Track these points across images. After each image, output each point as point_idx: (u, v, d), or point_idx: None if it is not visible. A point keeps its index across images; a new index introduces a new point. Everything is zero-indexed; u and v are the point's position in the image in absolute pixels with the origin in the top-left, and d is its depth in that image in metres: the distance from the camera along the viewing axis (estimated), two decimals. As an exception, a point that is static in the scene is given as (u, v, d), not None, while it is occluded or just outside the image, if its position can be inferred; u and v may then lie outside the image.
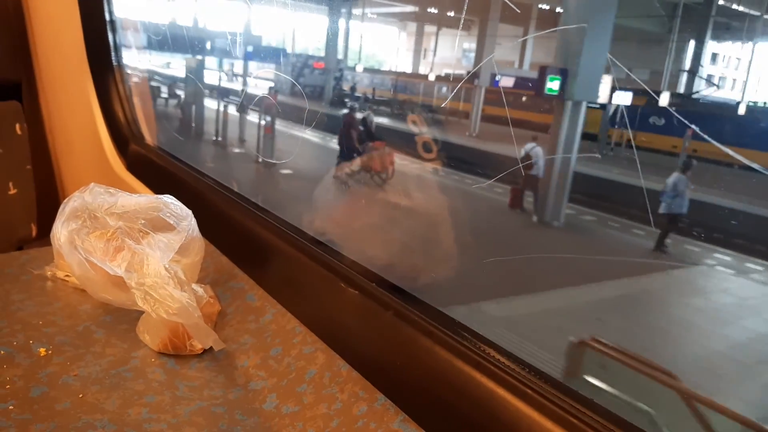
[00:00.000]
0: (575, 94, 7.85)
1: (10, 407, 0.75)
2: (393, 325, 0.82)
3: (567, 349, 2.64)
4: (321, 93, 21.14)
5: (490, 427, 0.67)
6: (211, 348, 0.92)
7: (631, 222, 8.59)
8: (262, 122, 11.00)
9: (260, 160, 10.86)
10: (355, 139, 10.18)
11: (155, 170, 1.53)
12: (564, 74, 7.96)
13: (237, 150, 11.76)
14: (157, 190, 1.33)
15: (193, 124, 11.56)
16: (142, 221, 0.97)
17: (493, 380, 0.69)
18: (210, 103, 12.85)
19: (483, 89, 17.88)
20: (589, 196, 9.65)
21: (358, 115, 12.42)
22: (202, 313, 0.92)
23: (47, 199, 1.64)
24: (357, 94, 23.41)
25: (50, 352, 0.88)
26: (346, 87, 21.87)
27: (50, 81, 1.76)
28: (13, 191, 1.53)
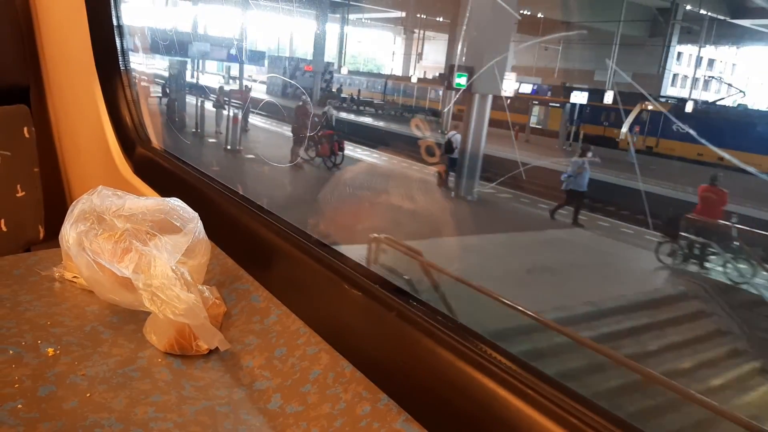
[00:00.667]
0: (479, 88, 9.95)
1: (19, 406, 0.76)
2: (396, 327, 0.83)
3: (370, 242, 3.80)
4: (310, 93, 22.19)
5: (491, 427, 0.68)
6: (216, 348, 0.93)
7: (540, 198, 10.70)
8: (231, 114, 13.03)
9: (228, 147, 12.23)
10: (305, 128, 12.29)
11: (162, 173, 1.55)
12: (470, 71, 9.86)
13: (211, 140, 12.96)
14: (164, 192, 1.34)
15: (176, 119, 12.74)
16: (149, 223, 0.99)
17: (494, 380, 0.70)
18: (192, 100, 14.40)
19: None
20: (511, 177, 11.17)
21: (321, 110, 14.60)
22: (208, 314, 0.93)
23: (55, 201, 1.66)
24: (343, 95, 25.03)
25: (58, 352, 0.89)
26: (334, 88, 23.43)
27: (58, 85, 1.78)
28: (21, 194, 1.54)
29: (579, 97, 22.49)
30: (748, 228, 7.22)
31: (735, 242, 7.27)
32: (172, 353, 0.92)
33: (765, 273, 6.82)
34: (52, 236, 1.05)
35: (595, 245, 8.90)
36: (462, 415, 0.71)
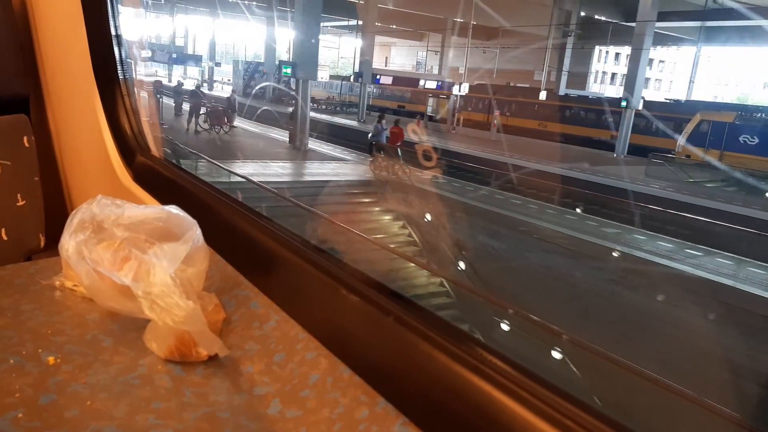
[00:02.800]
0: (298, 74, 18.12)
1: (20, 415, 0.77)
2: (393, 331, 0.84)
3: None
4: (264, 92, 31.03)
5: (487, 430, 0.69)
6: (216, 355, 0.93)
7: (352, 149, 18.75)
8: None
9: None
10: (197, 105, 19.72)
11: (162, 181, 1.56)
12: (294, 65, 18.56)
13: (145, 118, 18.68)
14: (164, 200, 1.35)
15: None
16: (148, 232, 1.00)
17: (490, 384, 0.71)
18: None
19: (367, 86, 28.22)
20: (345, 138, 20.31)
21: (227, 94, 23.04)
22: (208, 321, 0.94)
23: (55, 210, 1.67)
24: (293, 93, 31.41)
25: (59, 360, 0.90)
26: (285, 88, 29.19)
27: (57, 94, 1.79)
28: (21, 203, 1.55)
29: (458, 90, 29.13)
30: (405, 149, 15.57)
31: (400, 154, 14.99)
32: (172, 360, 0.93)
33: (407, 169, 14.33)
34: (53, 245, 1.06)
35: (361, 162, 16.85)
36: (459, 419, 0.72)
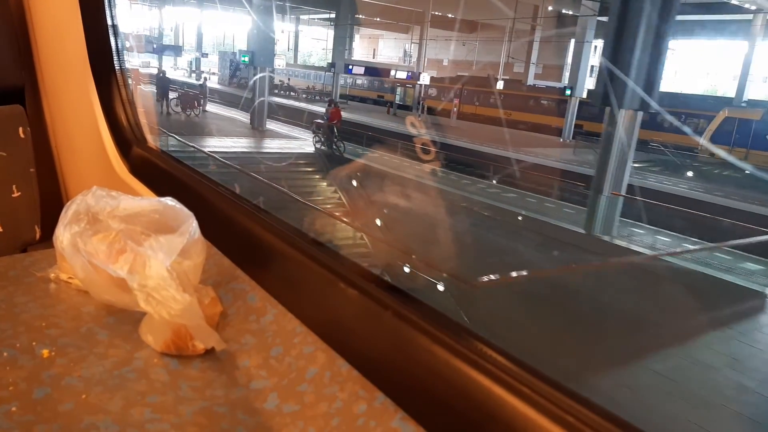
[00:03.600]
0: (255, 63, 20.04)
1: (13, 409, 0.76)
2: (392, 325, 0.83)
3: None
4: (245, 81, 29.95)
5: (487, 425, 0.68)
6: (213, 348, 0.92)
7: (301, 129, 20.66)
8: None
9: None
10: (165, 89, 20.86)
11: (158, 173, 1.54)
12: (252, 54, 20.40)
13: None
14: (160, 192, 1.34)
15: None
16: (144, 224, 0.98)
17: (490, 378, 0.70)
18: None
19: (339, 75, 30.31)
20: (309, 121, 20.05)
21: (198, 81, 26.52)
22: (204, 314, 0.93)
23: (51, 201, 1.65)
24: (276, 82, 34.20)
25: (53, 353, 0.89)
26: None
27: (53, 85, 1.77)
28: (16, 194, 1.54)
29: (424, 80, 31.23)
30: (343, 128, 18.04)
31: (336, 132, 17.26)
32: (168, 353, 0.92)
33: (341, 144, 17.10)
34: (49, 236, 1.05)
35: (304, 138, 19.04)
36: (458, 413, 0.71)
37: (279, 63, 24.78)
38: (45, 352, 0.89)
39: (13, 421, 0.74)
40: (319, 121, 18.10)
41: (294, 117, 22.47)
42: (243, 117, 22.01)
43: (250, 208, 1.25)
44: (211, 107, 23.72)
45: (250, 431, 0.78)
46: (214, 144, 16.68)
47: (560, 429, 0.63)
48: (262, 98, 19.85)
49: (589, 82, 24.52)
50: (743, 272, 9.77)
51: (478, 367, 0.72)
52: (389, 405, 0.75)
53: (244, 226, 1.20)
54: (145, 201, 1.06)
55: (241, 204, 1.27)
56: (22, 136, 1.56)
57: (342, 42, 30.64)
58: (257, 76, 19.60)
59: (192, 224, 1.00)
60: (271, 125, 20.47)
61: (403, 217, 12.08)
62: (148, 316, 0.93)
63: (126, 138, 1.66)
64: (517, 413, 0.67)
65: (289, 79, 36.48)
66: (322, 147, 17.26)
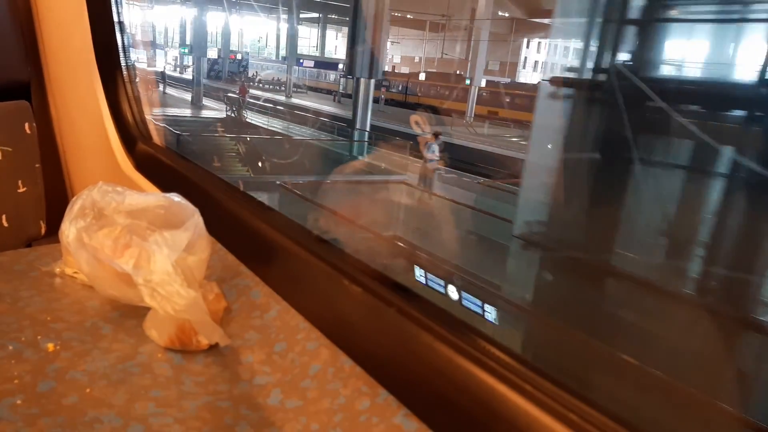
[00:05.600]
0: (193, 52, 25.85)
1: (18, 402, 0.76)
2: (395, 322, 0.83)
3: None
4: (217, 73, 34.28)
5: (489, 422, 0.68)
6: (217, 344, 0.93)
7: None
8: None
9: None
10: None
11: (163, 169, 1.55)
12: (190, 46, 28.38)
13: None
14: (165, 188, 1.34)
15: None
16: (150, 219, 0.99)
17: (493, 376, 0.70)
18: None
19: (293, 67, 33.89)
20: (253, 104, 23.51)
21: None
22: (209, 310, 0.93)
23: (56, 197, 1.66)
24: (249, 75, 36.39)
25: (58, 347, 0.89)
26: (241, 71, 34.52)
27: (59, 81, 1.77)
28: (22, 189, 1.54)
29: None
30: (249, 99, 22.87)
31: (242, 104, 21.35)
32: (172, 348, 0.92)
33: (244, 112, 21.26)
34: (54, 232, 1.05)
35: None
36: (461, 411, 0.71)
37: (211, 54, 29.80)
38: (50, 346, 0.89)
39: (18, 414, 0.74)
40: (230, 95, 22.74)
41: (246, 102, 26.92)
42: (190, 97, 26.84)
43: (255, 204, 1.25)
44: (172, 91, 27.37)
45: (253, 426, 0.78)
46: (156, 111, 21.05)
47: (563, 427, 0.63)
48: (200, 81, 24.85)
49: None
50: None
51: (482, 365, 0.72)
52: (392, 402, 0.75)
53: (248, 222, 1.20)
54: (151, 196, 1.06)
55: (245, 200, 1.28)
56: (28, 131, 1.56)
57: (293, 38, 34.67)
58: (194, 65, 24.10)
59: (197, 220, 1.00)
60: (208, 102, 24.62)
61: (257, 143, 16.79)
62: (153, 311, 0.93)
63: (131, 134, 1.67)
64: (520, 411, 0.67)
65: (256, 73, 40.15)
66: (232, 114, 21.83)
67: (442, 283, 6.85)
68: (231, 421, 0.78)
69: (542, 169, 4.47)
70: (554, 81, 4.36)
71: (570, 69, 4.64)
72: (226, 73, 34.71)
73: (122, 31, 1.73)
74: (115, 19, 1.70)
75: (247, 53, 37.77)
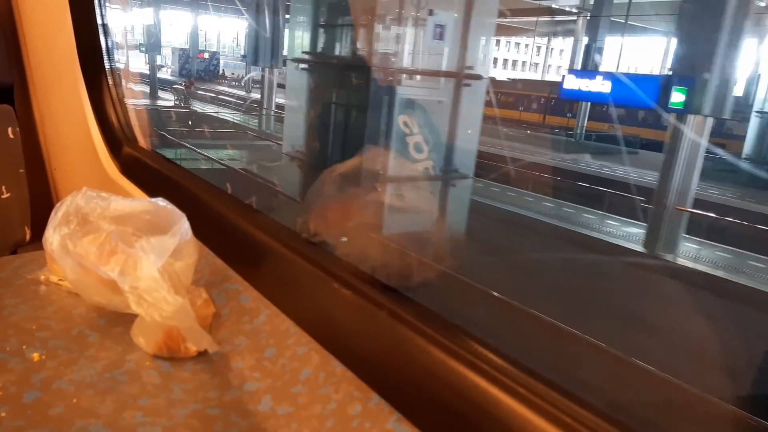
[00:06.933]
0: (147, 50, 24.58)
1: (3, 414, 0.75)
2: (387, 326, 0.82)
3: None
4: (188, 72, 34.95)
5: (483, 426, 0.68)
6: (205, 350, 0.91)
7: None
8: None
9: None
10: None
11: (149, 173, 1.53)
12: (146, 46, 24.10)
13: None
14: (151, 192, 1.33)
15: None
16: (135, 225, 0.97)
17: (486, 379, 0.69)
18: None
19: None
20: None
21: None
22: (197, 316, 0.92)
23: (41, 202, 1.64)
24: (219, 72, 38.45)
25: (44, 356, 0.88)
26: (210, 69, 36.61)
27: (42, 85, 1.75)
28: (6, 195, 1.52)
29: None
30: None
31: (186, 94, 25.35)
32: (160, 356, 0.91)
33: (189, 101, 24.96)
34: (39, 238, 1.03)
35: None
36: (454, 414, 0.70)
37: (165, 52, 32.25)
38: (35, 356, 0.87)
39: (3, 426, 0.73)
40: (177, 87, 25.73)
41: (207, 97, 28.73)
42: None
43: (243, 207, 1.24)
44: (133, 86, 30.56)
45: None
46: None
47: (556, 429, 0.63)
48: (155, 77, 26.05)
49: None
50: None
51: (474, 368, 0.71)
52: (384, 406, 0.74)
53: (236, 226, 1.19)
54: (137, 202, 1.05)
55: (234, 204, 1.26)
56: (11, 136, 1.54)
57: (253, 38, 37.09)
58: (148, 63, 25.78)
59: (184, 225, 0.99)
60: (164, 95, 26.34)
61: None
62: (140, 318, 0.92)
63: (116, 138, 1.65)
64: (513, 413, 0.66)
65: (224, 71, 41.42)
66: (179, 103, 24.62)
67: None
68: (221, 428, 0.77)
69: (293, 111, 8.83)
70: (293, 60, 8.66)
71: (304, 52, 8.50)
72: (194, 72, 35.81)
73: (106, 33, 1.71)
74: (99, 21, 1.68)
75: (217, 52, 39.18)
